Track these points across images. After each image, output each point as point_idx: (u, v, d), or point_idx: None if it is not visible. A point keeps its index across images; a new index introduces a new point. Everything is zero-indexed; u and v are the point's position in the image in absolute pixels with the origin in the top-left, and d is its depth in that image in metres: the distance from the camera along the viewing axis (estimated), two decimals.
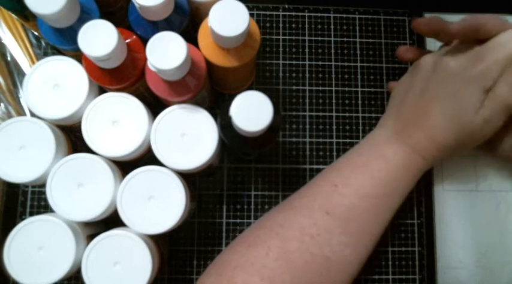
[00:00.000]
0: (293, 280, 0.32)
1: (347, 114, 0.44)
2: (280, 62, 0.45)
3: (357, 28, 0.46)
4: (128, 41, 0.33)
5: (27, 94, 0.34)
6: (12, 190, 0.41)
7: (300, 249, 0.32)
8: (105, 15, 0.34)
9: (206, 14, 0.31)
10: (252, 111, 0.28)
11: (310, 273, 0.32)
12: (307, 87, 0.45)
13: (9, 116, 0.42)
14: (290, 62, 0.45)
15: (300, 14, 0.46)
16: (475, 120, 0.34)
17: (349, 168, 0.36)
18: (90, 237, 0.33)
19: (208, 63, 0.34)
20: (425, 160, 0.37)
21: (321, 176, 0.37)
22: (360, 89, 0.45)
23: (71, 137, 0.37)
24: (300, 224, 0.33)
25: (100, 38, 0.29)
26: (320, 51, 0.45)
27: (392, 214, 0.36)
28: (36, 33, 0.44)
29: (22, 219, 0.35)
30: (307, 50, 0.45)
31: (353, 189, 0.35)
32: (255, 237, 0.34)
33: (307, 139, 0.44)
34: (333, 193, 0.35)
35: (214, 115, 0.33)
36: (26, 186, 0.41)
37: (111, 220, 0.35)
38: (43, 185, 0.33)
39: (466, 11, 0.45)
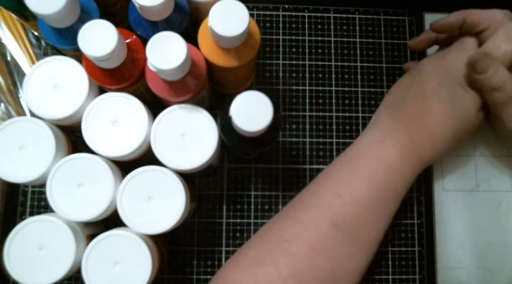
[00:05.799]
0: None
1: (347, 114, 0.44)
2: (280, 62, 0.45)
3: (357, 28, 0.46)
4: (128, 41, 0.33)
5: (27, 94, 0.34)
6: (12, 190, 0.41)
7: (310, 265, 0.32)
8: (105, 15, 0.34)
9: (206, 14, 0.31)
10: (252, 111, 0.28)
11: None
12: (307, 87, 0.45)
13: (9, 116, 0.42)
14: (290, 62, 0.45)
15: (300, 14, 0.46)
16: (475, 121, 0.36)
17: (351, 175, 0.35)
18: (90, 237, 0.33)
19: (208, 63, 0.34)
20: (424, 162, 0.37)
21: (323, 182, 0.36)
22: (360, 89, 0.45)
23: (71, 137, 0.37)
24: (307, 239, 0.33)
25: (100, 38, 0.29)
26: (320, 51, 0.45)
27: (392, 218, 0.36)
28: (36, 33, 0.44)
29: (22, 219, 0.35)
30: (307, 50, 0.45)
31: (357, 198, 0.34)
32: (261, 253, 0.33)
33: (307, 139, 0.44)
34: (337, 203, 0.34)
35: (214, 115, 0.33)
36: (26, 186, 0.41)
37: (111, 220, 0.35)
38: (43, 185, 0.33)
39: None
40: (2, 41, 0.44)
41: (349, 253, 0.33)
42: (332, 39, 0.46)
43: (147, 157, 0.36)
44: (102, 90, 0.36)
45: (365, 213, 0.34)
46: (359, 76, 0.45)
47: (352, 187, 0.34)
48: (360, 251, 0.34)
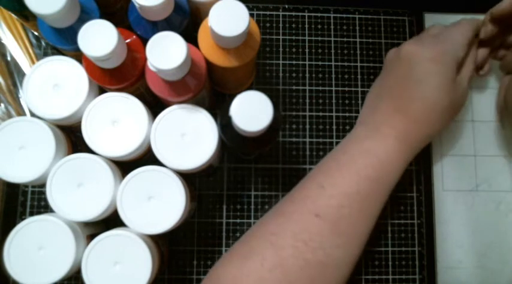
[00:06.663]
0: None
1: (347, 114, 0.44)
2: (280, 62, 0.45)
3: (357, 28, 0.46)
4: (128, 41, 0.33)
5: (27, 94, 0.34)
6: (12, 190, 0.41)
7: (294, 256, 0.32)
8: (105, 15, 0.34)
9: (206, 14, 0.31)
10: (252, 111, 0.28)
11: (306, 279, 0.32)
12: (307, 87, 0.45)
13: (9, 116, 0.42)
14: (290, 62, 0.45)
15: (300, 14, 0.46)
16: (457, 92, 0.37)
17: (334, 168, 0.36)
18: (90, 237, 0.33)
19: (208, 63, 0.34)
20: (411, 149, 0.37)
21: (308, 178, 0.37)
22: (360, 89, 0.45)
23: (71, 137, 0.37)
24: (292, 231, 0.33)
25: (100, 38, 0.29)
26: (320, 51, 0.45)
27: (380, 210, 0.36)
28: (36, 33, 0.44)
29: (22, 219, 0.35)
30: (307, 50, 0.45)
31: (340, 189, 0.34)
32: (249, 248, 0.34)
33: (307, 139, 0.44)
34: (320, 195, 0.34)
35: (214, 115, 0.33)
36: (26, 186, 0.41)
37: (111, 220, 0.35)
38: (43, 185, 0.33)
39: (466, 11, 0.45)
40: (2, 41, 0.44)
41: (335, 244, 0.33)
42: (332, 39, 0.46)
43: (147, 157, 0.36)
44: (102, 90, 0.36)
45: (351, 204, 0.34)
46: (359, 76, 0.45)
47: (335, 179, 0.35)
48: (348, 242, 0.34)
